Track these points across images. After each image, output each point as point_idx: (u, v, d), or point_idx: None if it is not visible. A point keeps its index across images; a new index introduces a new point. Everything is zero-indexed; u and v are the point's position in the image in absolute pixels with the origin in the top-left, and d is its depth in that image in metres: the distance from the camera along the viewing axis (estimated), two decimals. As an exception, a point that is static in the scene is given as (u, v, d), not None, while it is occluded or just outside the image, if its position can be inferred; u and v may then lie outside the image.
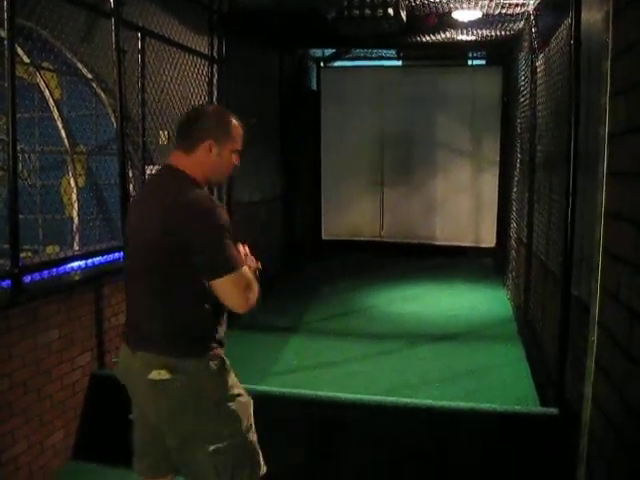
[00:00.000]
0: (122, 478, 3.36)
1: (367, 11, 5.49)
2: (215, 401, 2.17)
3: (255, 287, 2.17)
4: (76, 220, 5.66)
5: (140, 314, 2.21)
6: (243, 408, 2.25)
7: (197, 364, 2.13)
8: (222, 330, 2.24)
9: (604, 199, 2.34)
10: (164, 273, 2.11)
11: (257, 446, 2.28)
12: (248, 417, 2.26)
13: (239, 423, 2.21)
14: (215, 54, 5.78)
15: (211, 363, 2.15)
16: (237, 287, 2.10)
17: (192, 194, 2.12)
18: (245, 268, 2.15)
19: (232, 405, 2.20)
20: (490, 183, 9.18)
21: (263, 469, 2.29)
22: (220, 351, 2.22)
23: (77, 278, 3.84)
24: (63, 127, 5.69)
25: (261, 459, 2.29)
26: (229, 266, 2.08)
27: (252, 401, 2.31)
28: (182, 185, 2.15)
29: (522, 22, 6.16)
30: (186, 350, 2.13)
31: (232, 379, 2.25)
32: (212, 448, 2.14)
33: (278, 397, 3.60)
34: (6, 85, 3.16)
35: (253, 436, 2.27)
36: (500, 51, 8.35)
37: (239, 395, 2.25)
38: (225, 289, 2.10)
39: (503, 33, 6.76)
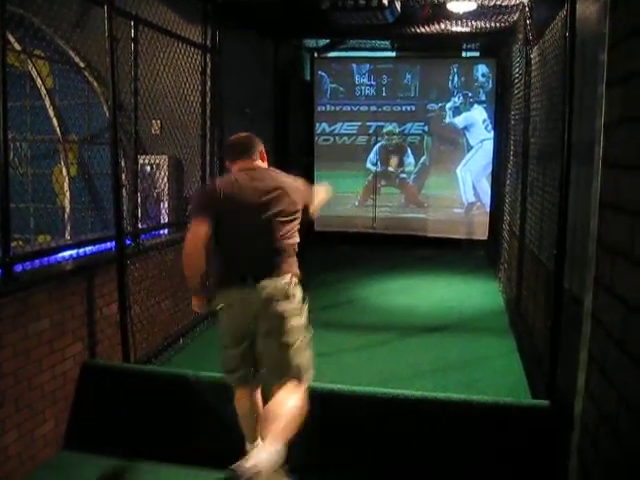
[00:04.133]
0: (112, 468, 3.38)
1: (361, 1, 5.47)
2: (299, 302, 3.15)
3: None
4: (68, 209, 5.63)
5: (260, 257, 3.05)
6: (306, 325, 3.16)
7: (292, 277, 3.12)
8: None
9: (599, 190, 2.34)
10: (288, 223, 3.08)
11: None
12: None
13: (307, 332, 3.13)
14: (209, 43, 5.74)
15: (296, 279, 3.16)
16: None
17: (289, 176, 3.26)
18: None
19: (303, 316, 3.16)
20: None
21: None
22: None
23: (68, 267, 3.82)
24: (55, 116, 5.65)
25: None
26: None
27: None
28: (278, 172, 3.23)
29: (517, 14, 6.15)
30: (291, 270, 3.12)
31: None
32: (293, 339, 3.02)
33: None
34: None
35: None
36: (494, 43, 8.34)
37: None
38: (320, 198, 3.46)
39: (497, 25, 6.75)
